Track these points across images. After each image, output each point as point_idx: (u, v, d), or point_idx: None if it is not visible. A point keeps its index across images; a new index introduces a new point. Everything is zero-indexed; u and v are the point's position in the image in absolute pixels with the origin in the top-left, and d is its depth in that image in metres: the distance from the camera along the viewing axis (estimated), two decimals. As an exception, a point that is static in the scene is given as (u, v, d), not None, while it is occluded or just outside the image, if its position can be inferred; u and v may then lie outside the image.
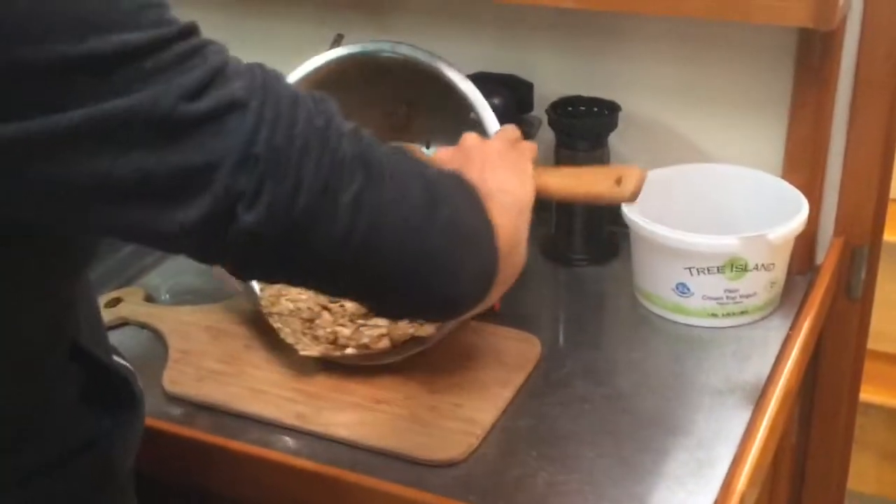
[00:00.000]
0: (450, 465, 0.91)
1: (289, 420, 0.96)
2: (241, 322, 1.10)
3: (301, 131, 0.62)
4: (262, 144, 0.59)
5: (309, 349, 1.00)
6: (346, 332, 0.99)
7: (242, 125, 0.59)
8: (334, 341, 1.00)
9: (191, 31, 0.60)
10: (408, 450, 0.92)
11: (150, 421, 0.95)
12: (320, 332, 1.00)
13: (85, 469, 0.76)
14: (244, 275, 0.69)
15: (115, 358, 0.86)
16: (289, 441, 0.95)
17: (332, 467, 0.90)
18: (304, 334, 1.01)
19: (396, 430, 0.94)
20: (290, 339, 1.01)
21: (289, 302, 1.03)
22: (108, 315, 1.13)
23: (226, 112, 0.59)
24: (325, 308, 1.02)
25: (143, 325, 1.13)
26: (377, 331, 0.99)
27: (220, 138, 0.59)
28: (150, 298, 1.19)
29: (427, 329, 0.99)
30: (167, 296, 1.21)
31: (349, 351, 0.99)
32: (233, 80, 0.60)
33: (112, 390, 0.79)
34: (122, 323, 1.14)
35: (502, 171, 0.87)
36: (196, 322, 1.12)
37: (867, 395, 1.50)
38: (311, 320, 1.02)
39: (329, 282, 0.70)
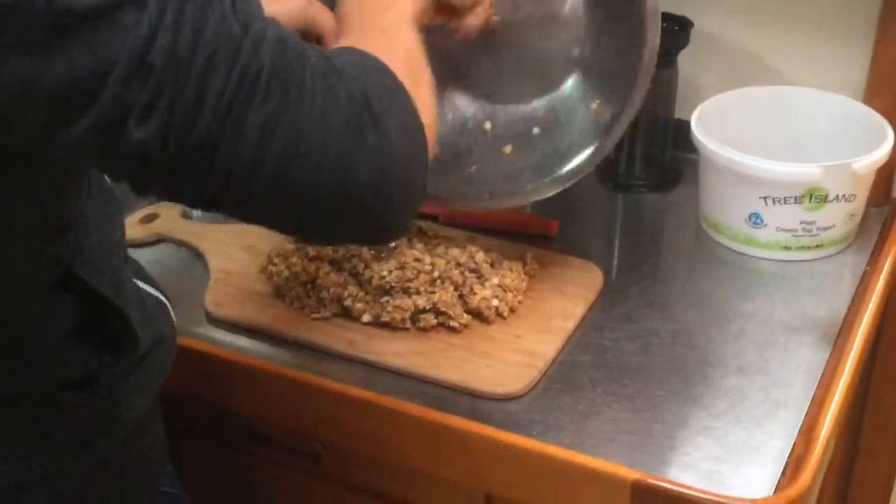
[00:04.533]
0: (510, 398, 0.89)
1: (339, 347, 0.94)
2: (284, 240, 1.08)
3: (209, 39, 0.56)
4: (159, 51, 0.54)
5: (319, 313, 0.97)
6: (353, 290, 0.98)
7: (137, 26, 0.54)
8: (339, 301, 0.97)
9: None
10: (466, 382, 0.90)
11: (193, 343, 0.95)
12: (324, 294, 0.98)
13: (82, 407, 0.74)
14: (141, 194, 0.64)
15: (143, 286, 0.83)
16: (339, 369, 0.93)
17: (388, 397, 0.88)
18: (309, 297, 0.99)
19: (453, 360, 0.92)
20: (296, 305, 0.99)
21: (285, 268, 1.01)
22: (144, 231, 1.12)
23: (117, 7, 0.53)
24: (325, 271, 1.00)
25: (180, 243, 1.11)
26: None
27: (110, 40, 0.53)
28: (186, 215, 1.16)
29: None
30: (202, 213, 1.18)
31: (365, 318, 0.96)
32: None
33: (112, 327, 0.75)
34: (159, 240, 1.12)
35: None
36: (236, 241, 1.09)
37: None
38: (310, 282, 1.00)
39: (240, 210, 0.66)
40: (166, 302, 0.86)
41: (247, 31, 0.58)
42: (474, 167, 1.04)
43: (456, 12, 0.91)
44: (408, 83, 0.70)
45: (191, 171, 0.59)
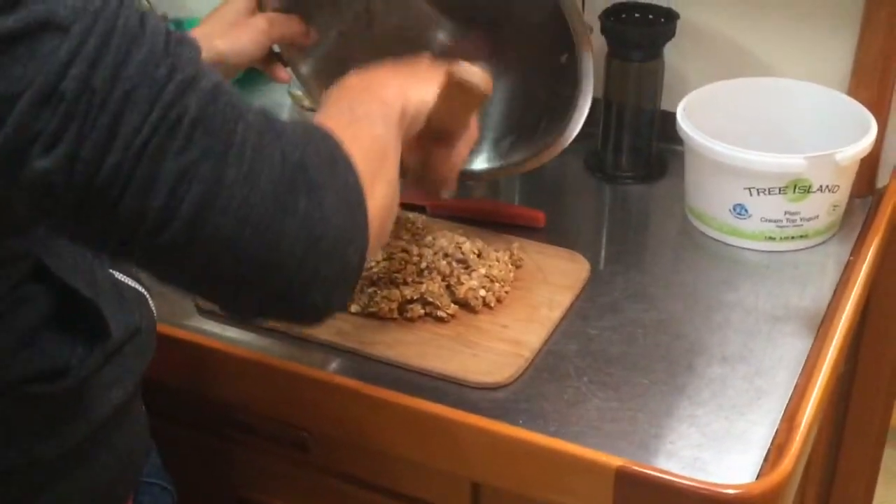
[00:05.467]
0: (496, 388, 0.89)
1: (327, 337, 0.94)
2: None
3: (131, 74, 0.54)
4: (73, 80, 0.52)
5: None
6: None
7: (55, 52, 0.52)
8: None
9: None
10: (453, 371, 0.90)
11: (181, 334, 0.95)
12: None
13: (53, 398, 0.73)
14: (54, 231, 0.62)
15: (121, 277, 0.82)
16: (327, 358, 0.93)
17: (374, 386, 0.89)
18: None
19: (440, 350, 0.92)
20: None
21: None
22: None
23: (37, 32, 0.52)
24: None
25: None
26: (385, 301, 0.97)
27: (26, 65, 0.52)
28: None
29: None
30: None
31: (353, 309, 0.96)
32: None
33: (84, 318, 0.74)
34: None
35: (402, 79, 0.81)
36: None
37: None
38: None
39: (151, 264, 0.61)
40: (145, 293, 0.85)
41: (173, 73, 0.55)
42: None
43: (445, 137, 0.88)
44: (363, 167, 0.66)
45: (97, 211, 0.55)
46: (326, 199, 0.62)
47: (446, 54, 0.98)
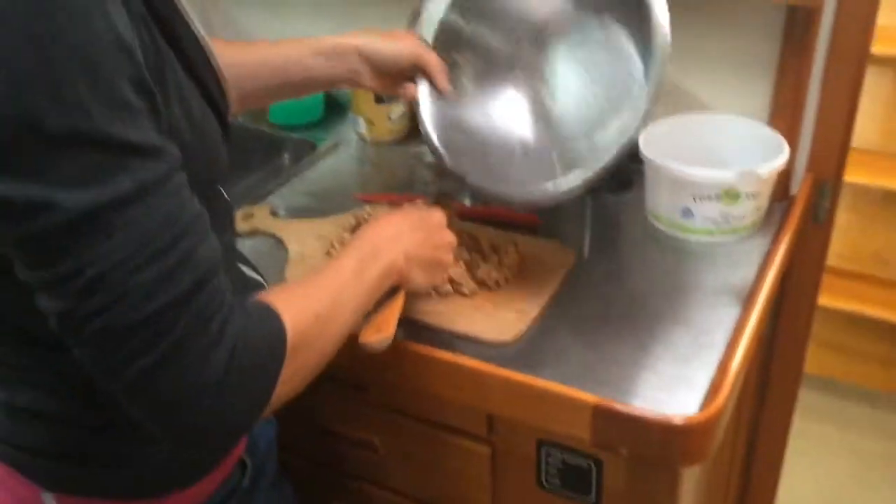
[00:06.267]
0: (506, 345, 0.89)
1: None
2: (343, 231, 1.08)
3: (144, 280, 0.52)
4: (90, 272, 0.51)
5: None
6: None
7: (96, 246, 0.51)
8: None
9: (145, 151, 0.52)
10: (474, 332, 0.90)
11: None
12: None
13: None
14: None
15: (248, 271, 0.81)
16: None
17: (418, 344, 0.88)
18: None
19: (465, 317, 0.92)
20: None
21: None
22: (244, 225, 1.12)
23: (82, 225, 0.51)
24: None
25: (269, 234, 1.12)
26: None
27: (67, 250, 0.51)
28: (274, 213, 1.17)
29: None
30: (285, 212, 1.19)
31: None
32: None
33: None
34: (255, 232, 1.12)
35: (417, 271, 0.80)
36: (310, 231, 1.10)
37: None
38: None
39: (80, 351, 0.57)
40: (265, 283, 0.84)
41: (168, 292, 0.54)
42: None
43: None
44: (310, 331, 0.64)
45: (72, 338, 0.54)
46: (235, 405, 0.59)
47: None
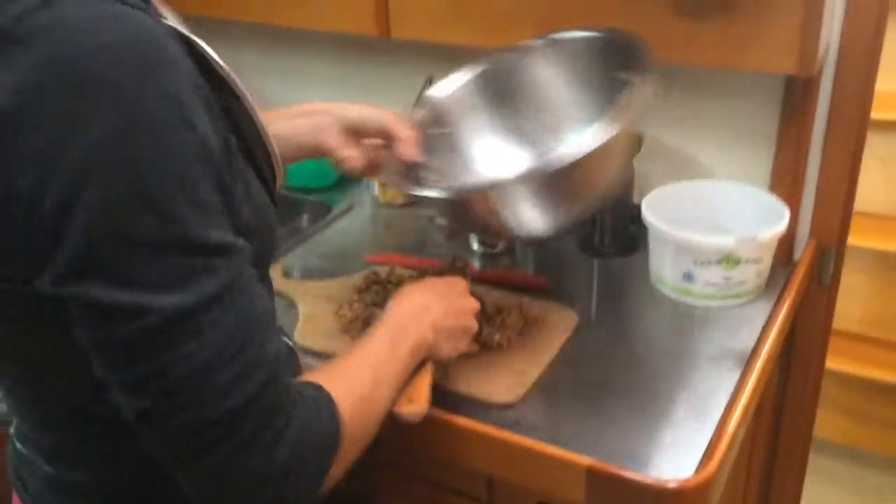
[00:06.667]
0: (507, 406, 0.90)
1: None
2: (353, 292, 1.10)
3: (222, 381, 0.54)
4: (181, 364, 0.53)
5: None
6: None
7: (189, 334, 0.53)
8: None
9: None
10: (475, 393, 0.91)
11: None
12: None
13: None
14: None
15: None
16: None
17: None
18: (364, 332, 0.92)
19: (467, 378, 0.93)
20: (357, 338, 0.95)
21: (350, 312, 1.02)
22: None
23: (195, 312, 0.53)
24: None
25: (280, 295, 1.14)
26: None
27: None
28: (287, 274, 1.20)
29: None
30: (298, 273, 1.22)
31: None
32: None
33: None
34: (265, 292, 1.15)
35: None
36: (321, 293, 1.12)
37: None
38: (366, 321, 0.99)
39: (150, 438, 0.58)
40: (293, 346, 0.85)
41: (244, 388, 0.56)
42: None
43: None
44: (358, 414, 0.67)
45: (146, 425, 0.56)
46: (295, 492, 0.61)
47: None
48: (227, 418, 0.55)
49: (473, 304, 0.88)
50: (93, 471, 0.68)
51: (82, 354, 0.56)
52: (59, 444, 0.69)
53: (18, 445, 0.73)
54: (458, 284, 0.88)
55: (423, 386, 0.83)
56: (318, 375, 0.68)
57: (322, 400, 0.65)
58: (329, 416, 0.64)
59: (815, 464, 1.82)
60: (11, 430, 0.75)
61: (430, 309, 0.81)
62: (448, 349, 0.84)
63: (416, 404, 0.80)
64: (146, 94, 0.49)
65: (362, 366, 0.72)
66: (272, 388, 0.58)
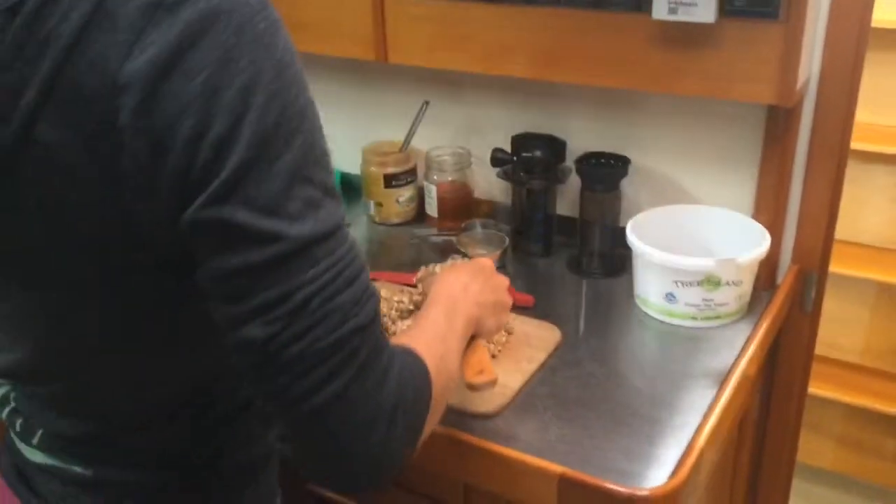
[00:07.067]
0: (486, 417, 0.92)
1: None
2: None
3: (335, 307, 0.56)
4: (302, 294, 0.55)
5: None
6: None
7: (304, 272, 0.56)
8: None
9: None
10: (458, 404, 0.93)
11: None
12: None
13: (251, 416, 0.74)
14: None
15: None
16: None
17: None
18: None
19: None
20: None
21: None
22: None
23: (302, 252, 0.56)
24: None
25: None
26: None
27: (286, 273, 0.55)
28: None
29: None
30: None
31: None
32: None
33: None
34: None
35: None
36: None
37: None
38: None
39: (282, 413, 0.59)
40: None
41: (357, 318, 0.58)
42: None
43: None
44: (437, 397, 0.67)
45: (266, 369, 0.57)
46: (402, 436, 0.62)
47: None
48: (343, 345, 0.57)
49: (505, 280, 0.91)
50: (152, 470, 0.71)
51: (197, 337, 0.63)
52: (105, 444, 0.70)
53: (41, 455, 0.73)
54: (486, 262, 0.91)
55: (485, 358, 0.86)
56: (403, 336, 0.72)
57: (411, 351, 0.67)
58: (421, 364, 0.67)
59: (812, 492, 1.83)
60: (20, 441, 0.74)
61: (469, 287, 0.84)
62: (492, 323, 0.87)
63: (487, 374, 0.84)
64: (281, 42, 0.56)
65: (430, 335, 0.75)
66: (379, 321, 0.61)
